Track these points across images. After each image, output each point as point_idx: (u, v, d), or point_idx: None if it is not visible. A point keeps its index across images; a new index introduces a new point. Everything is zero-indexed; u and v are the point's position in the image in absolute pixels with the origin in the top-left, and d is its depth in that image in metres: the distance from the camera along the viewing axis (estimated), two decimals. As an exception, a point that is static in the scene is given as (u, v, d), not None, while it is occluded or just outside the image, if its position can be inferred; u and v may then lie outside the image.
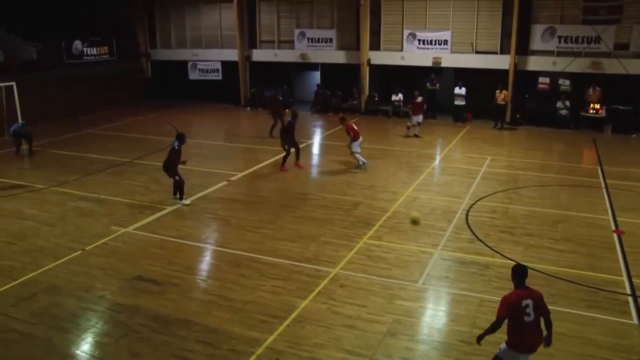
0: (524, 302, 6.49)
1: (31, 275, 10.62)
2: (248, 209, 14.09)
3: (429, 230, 12.47)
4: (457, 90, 25.16)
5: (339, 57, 28.03)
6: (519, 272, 6.73)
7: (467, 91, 24.93)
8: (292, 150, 17.57)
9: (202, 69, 31.65)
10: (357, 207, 14.07)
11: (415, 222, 12.19)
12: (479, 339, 6.93)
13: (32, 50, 25.42)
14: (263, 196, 15.13)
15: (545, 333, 6.76)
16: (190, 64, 31.75)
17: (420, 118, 22.06)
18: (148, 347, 8.32)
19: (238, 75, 30.13)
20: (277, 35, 29.59)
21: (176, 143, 14.20)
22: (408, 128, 22.38)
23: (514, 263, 7.41)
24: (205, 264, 11.30)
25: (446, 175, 17.07)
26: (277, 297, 9.65)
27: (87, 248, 11.78)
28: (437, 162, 18.61)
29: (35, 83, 24.75)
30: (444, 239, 12.04)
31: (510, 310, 6.50)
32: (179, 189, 14.41)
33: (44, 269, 10.86)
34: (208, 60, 31.26)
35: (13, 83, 22.28)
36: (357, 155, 17.46)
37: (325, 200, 14.60)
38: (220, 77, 31.17)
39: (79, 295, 9.87)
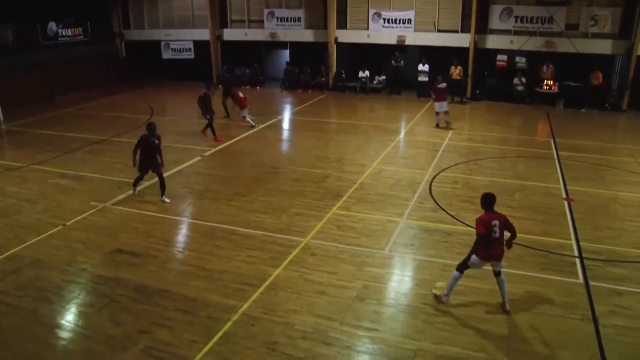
0: (493, 222, 8.00)
1: (15, 250, 10.54)
2: (222, 183, 14.09)
3: (394, 201, 12.66)
4: (420, 67, 25.29)
5: (307, 35, 27.88)
6: (489, 199, 8.16)
7: (430, 68, 25.05)
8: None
9: (175, 49, 31.11)
10: (327, 179, 14.18)
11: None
12: (460, 267, 8.33)
13: (8, 32, 24.70)
14: (236, 170, 15.12)
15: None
16: (163, 43, 31.16)
17: (445, 105, 19.39)
18: (129, 316, 8.37)
19: (210, 54, 29.75)
20: (247, 14, 29.19)
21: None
22: (437, 122, 19.60)
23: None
24: (182, 236, 11.32)
25: (411, 148, 17.26)
26: (251, 267, 9.75)
27: (68, 223, 11.69)
28: (402, 136, 18.78)
29: (11, 65, 24.11)
30: (408, 209, 12.24)
31: (485, 228, 7.92)
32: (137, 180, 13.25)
33: (27, 243, 10.78)
34: (180, 40, 30.74)
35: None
36: (248, 118, 19.65)
37: (296, 174, 14.67)
38: (192, 56, 30.71)
39: (62, 268, 9.84)
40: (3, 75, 23.10)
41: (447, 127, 19.55)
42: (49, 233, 11.24)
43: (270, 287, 9.11)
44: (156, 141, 12.63)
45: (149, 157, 12.55)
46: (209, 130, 18.15)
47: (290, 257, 10.09)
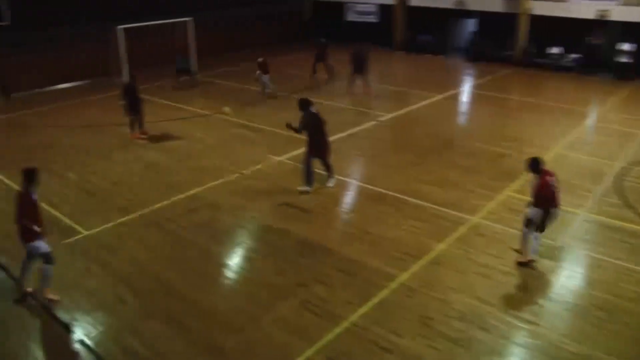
0: (552, 181, 8.46)
1: (196, 190, 11.55)
2: (395, 150, 14.04)
3: (574, 190, 11.67)
4: (623, 46, 22.77)
5: (497, 5, 26.28)
6: (540, 162, 8.50)
7: (638, 48, 22.39)
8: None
9: (358, 11, 31.32)
10: (503, 158, 13.48)
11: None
12: (540, 228, 8.59)
13: None
14: (410, 139, 14.96)
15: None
16: (347, 5, 31.52)
17: None
18: (291, 267, 8.73)
19: (393, 18, 29.46)
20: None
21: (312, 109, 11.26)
22: None
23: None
24: (350, 197, 11.49)
25: (600, 135, 15.72)
26: (415, 237, 9.63)
27: (244, 172, 12.46)
28: (591, 121, 17.19)
29: (208, 20, 25.86)
30: (589, 201, 11.22)
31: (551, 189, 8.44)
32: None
33: (207, 186, 11.75)
34: (365, 2, 30.84)
35: (191, 18, 23.16)
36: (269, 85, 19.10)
37: (473, 149, 14.14)
38: (376, 20, 30.69)
39: (235, 213, 10.54)
40: (203, 28, 24.87)
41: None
42: (226, 179, 12.08)
43: (432, 261, 8.94)
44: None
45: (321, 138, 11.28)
46: (136, 131, 15.04)
47: (457, 234, 9.79)
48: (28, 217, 7.43)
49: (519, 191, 11.55)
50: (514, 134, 15.41)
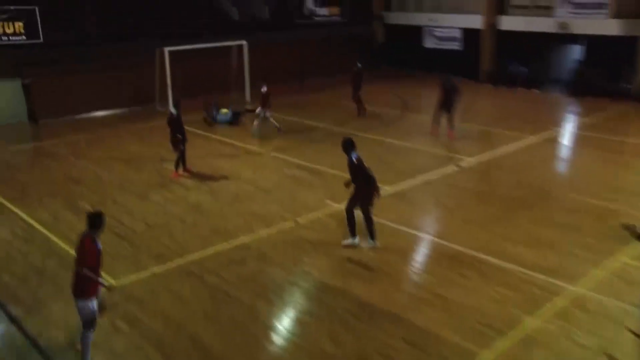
0: None
1: (243, 238, 11.74)
2: (477, 201, 13.87)
3: None
4: None
5: (611, 27, 25.57)
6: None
7: None
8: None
9: (439, 37, 31.60)
10: (614, 215, 13.03)
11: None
12: None
13: (265, 8, 27.50)
14: (497, 188, 14.76)
15: None
16: (426, 29, 31.87)
17: None
18: (349, 334, 8.63)
19: (480, 45, 29.53)
20: (533, -2, 28.18)
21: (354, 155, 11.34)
22: None
23: None
24: (422, 255, 11.36)
25: None
26: (500, 307, 9.36)
27: (299, 219, 12.58)
28: None
29: (265, 43, 26.88)
30: None
31: None
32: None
33: (255, 234, 11.91)
34: (447, 27, 31.10)
35: (244, 42, 24.28)
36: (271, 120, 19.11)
37: (573, 202, 13.78)
38: (459, 47, 30.85)
39: (286, 267, 10.60)
40: (259, 51, 25.74)
41: None
42: (278, 227, 12.22)
43: (523, 339, 8.61)
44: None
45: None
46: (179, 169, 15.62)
47: (553, 306, 9.45)
48: (90, 268, 7.47)
49: (636, 257, 11.08)
50: (628, 186, 14.93)
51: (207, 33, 24.71)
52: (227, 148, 17.95)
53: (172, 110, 15.26)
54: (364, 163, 11.15)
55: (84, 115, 22.28)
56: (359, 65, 22.04)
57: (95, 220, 7.62)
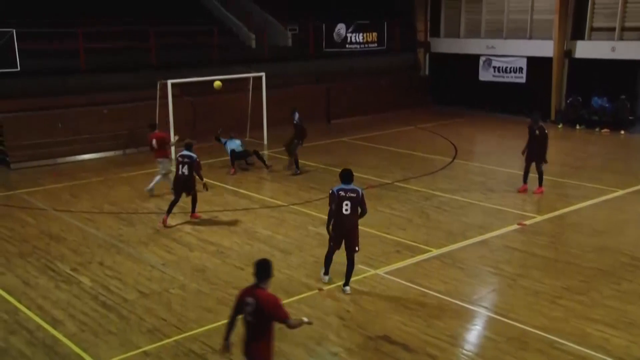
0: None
1: (255, 311, 11.58)
2: (547, 269, 13.68)
3: None
4: None
5: None
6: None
7: None
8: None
9: (498, 67, 31.74)
10: None
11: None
12: None
13: (288, 34, 27.91)
14: (572, 253, 14.55)
15: None
16: (482, 59, 32.02)
17: None
18: None
19: (550, 77, 29.48)
20: (621, 18, 27.94)
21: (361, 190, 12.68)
22: None
23: None
24: (475, 335, 11.18)
25: None
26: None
27: (325, 288, 12.50)
28: None
29: (286, 74, 27.39)
30: None
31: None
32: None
33: (271, 305, 11.77)
34: (509, 56, 31.18)
35: (262, 74, 24.56)
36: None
37: (669, 273, 13.56)
38: (523, 80, 30.89)
39: (309, 346, 10.48)
40: (276, 85, 26.03)
41: None
42: (300, 296, 12.14)
43: None
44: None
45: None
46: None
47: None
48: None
49: None
50: None
51: (217, 62, 25.14)
52: (241, 201, 18.07)
53: (190, 153, 15.92)
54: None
55: (68, 159, 22.55)
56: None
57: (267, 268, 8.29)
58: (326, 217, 12.31)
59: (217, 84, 20.35)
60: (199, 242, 15.01)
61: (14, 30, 21.34)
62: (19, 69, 21.45)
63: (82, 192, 19.00)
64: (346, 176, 12.30)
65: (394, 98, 31.61)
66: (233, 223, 16.20)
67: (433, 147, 24.54)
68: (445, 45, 33.44)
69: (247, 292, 7.98)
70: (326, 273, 12.79)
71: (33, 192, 18.99)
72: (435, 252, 14.13)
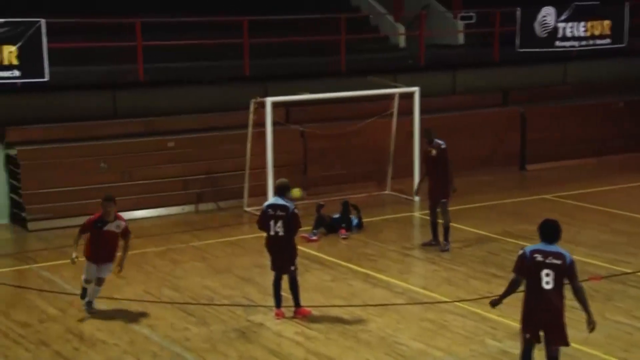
0: None
1: None
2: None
3: None
4: None
5: None
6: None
7: None
8: None
9: None
10: None
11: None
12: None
13: (459, 25, 28.08)
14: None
15: None
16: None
17: None
18: None
19: None
20: None
21: None
22: None
23: None
24: None
25: None
26: None
27: None
28: None
29: (453, 89, 27.65)
30: None
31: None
32: None
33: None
34: None
35: (416, 89, 23.55)
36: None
37: None
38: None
39: None
40: (438, 106, 25.60)
41: None
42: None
43: None
44: None
45: None
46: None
47: None
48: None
49: None
50: None
51: (342, 70, 24.75)
52: (376, 289, 16.64)
53: (284, 202, 15.37)
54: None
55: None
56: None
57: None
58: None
59: (296, 192, 17.98)
60: (307, 355, 13.51)
61: (43, 21, 20.31)
62: (47, 77, 20.43)
63: (132, 268, 17.79)
64: (549, 231, 11.26)
65: (638, 130, 29.69)
66: (362, 326, 14.67)
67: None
68: None
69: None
70: None
71: (58, 266, 18.05)
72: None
